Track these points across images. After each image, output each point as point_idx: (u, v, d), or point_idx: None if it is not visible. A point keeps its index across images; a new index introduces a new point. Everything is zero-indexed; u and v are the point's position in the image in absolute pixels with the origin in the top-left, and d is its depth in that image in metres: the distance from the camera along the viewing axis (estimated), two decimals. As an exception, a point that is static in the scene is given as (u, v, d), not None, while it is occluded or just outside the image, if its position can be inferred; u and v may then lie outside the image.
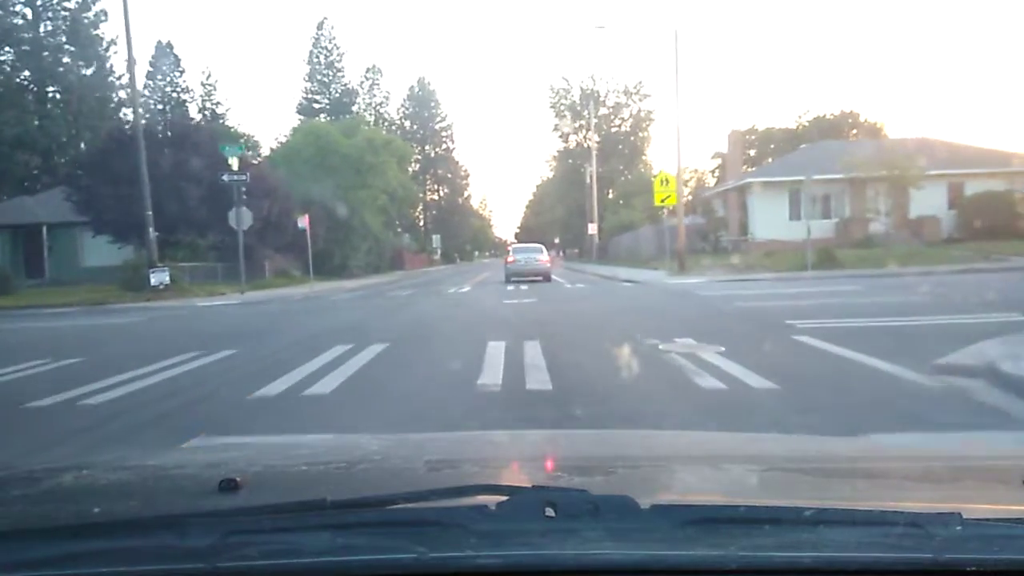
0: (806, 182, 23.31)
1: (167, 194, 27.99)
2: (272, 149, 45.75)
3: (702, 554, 0.93)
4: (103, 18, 50.47)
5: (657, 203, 27.14)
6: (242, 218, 25.73)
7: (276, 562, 0.94)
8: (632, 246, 46.30)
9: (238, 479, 1.24)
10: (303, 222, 29.62)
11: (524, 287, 24.21)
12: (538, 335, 10.23)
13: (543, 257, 28.12)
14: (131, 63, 25.83)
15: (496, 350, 8.90)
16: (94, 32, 50.07)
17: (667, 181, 26.60)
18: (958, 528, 0.93)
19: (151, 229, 24.59)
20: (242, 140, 54.09)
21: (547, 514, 0.98)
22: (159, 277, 24.35)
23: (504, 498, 1.01)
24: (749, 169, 73.35)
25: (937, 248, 29.27)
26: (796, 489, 1.48)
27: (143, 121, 42.58)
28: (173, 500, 1.45)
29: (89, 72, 48.79)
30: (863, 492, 1.45)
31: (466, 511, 1.00)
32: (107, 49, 50.83)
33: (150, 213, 24.50)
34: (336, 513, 1.02)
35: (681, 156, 26.54)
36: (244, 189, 26.32)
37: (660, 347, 8.95)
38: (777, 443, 2.33)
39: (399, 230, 66.57)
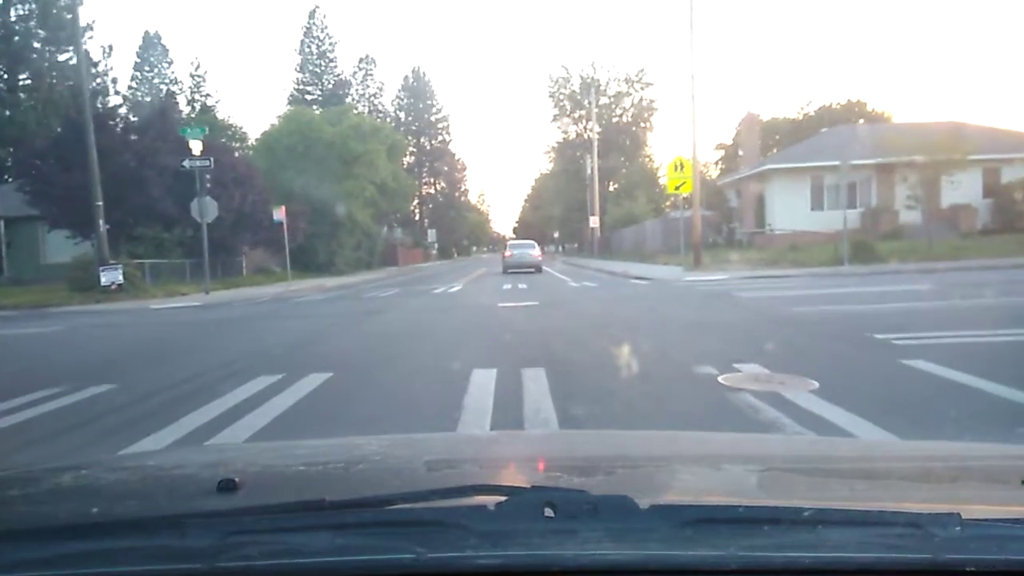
0: (843, 167, 20.38)
1: (129, 184, 24.99)
2: (256, 139, 42.62)
3: (701, 554, 0.91)
4: (79, 1, 47.45)
5: (671, 190, 24.18)
6: (206, 209, 22.72)
7: (275, 562, 0.93)
8: (637, 240, 43.26)
9: (237, 479, 1.21)
10: (279, 214, 26.65)
11: (523, 285, 21.24)
12: (543, 359, 7.27)
13: (535, 252, 31.78)
14: (76, 33, 22.77)
15: (482, 388, 5.93)
16: (68, 16, 47.03)
17: (682, 166, 23.62)
18: (957, 528, 0.91)
19: (101, 222, 21.58)
20: (229, 131, 51.11)
21: (546, 514, 0.96)
22: (111, 276, 21.34)
23: (503, 498, 0.99)
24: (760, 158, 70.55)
25: (975, 239, 26.35)
26: (795, 489, 1.43)
27: (122, 109, 39.44)
28: (172, 500, 1.41)
29: (63, 58, 45.70)
30: (862, 492, 1.40)
31: (465, 511, 0.99)
32: (83, 34, 47.81)
33: (100, 204, 21.48)
34: (335, 513, 1.01)
35: (697, 137, 23.46)
36: (209, 176, 23.34)
37: (721, 380, 6.01)
38: (776, 443, 2.25)
39: (393, 224, 63.55)
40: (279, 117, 39.95)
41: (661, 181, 66.24)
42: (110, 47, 33.95)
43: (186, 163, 22.61)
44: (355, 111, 46.44)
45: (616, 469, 1.62)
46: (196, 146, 22.77)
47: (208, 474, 1.46)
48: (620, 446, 1.98)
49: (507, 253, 32.44)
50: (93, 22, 48.41)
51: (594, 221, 51.86)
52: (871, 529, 0.94)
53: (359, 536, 0.96)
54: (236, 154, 29.72)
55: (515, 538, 0.94)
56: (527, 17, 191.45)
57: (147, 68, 72.01)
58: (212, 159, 22.77)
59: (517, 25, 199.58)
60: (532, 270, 30.16)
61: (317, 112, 45.08)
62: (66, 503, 1.39)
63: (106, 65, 52.47)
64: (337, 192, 37.93)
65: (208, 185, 26.45)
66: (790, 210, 30.25)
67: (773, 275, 19.43)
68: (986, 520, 0.97)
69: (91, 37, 47.32)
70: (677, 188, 23.73)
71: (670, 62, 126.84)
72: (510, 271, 30.39)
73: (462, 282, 26.00)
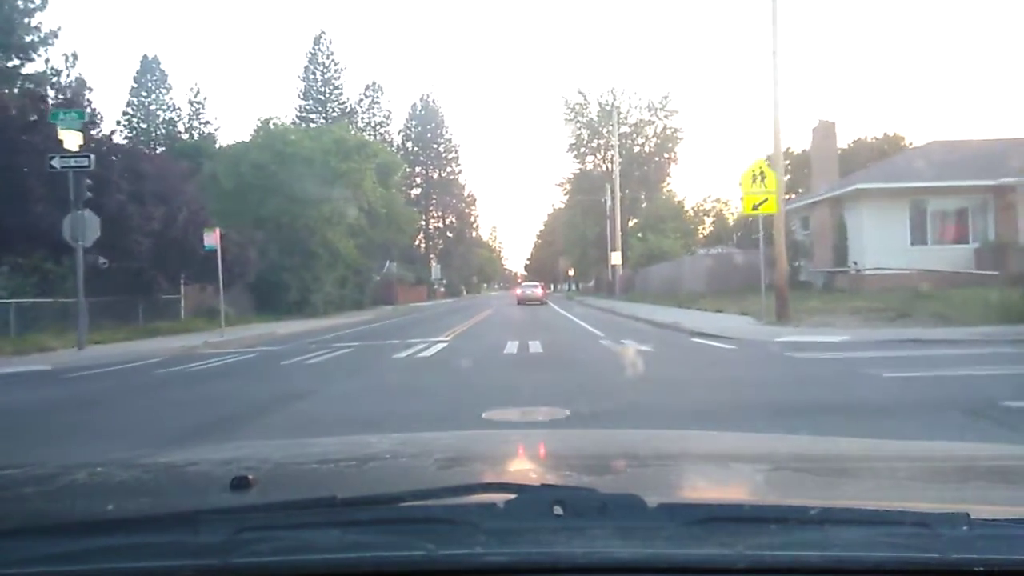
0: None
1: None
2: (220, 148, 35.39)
3: (709, 552, 0.90)
4: (39, 5, 41.05)
5: (747, 210, 16.61)
6: (80, 227, 15.35)
7: (287, 558, 0.92)
8: (669, 279, 35.58)
9: (250, 477, 1.19)
10: (211, 239, 19.24)
11: (535, 345, 13.59)
12: None
13: (538, 291, 43.31)
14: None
15: None
16: (26, 21, 40.64)
17: (762, 175, 16.09)
18: (965, 528, 0.89)
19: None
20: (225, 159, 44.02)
21: (555, 512, 0.94)
22: (-73, 323, 13.95)
23: (513, 496, 0.97)
24: (789, 195, 62.96)
25: None
26: (802, 488, 1.41)
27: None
28: (186, 497, 1.39)
29: (11, 65, 39.06)
30: (870, 492, 1.37)
31: (475, 509, 0.97)
32: (43, 42, 41.35)
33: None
34: (346, 510, 1.00)
35: (780, 137, 15.95)
36: (113, 185, 16.14)
37: None
38: (783, 443, 2.17)
39: (393, 259, 56.17)
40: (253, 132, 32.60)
41: (690, 213, 59.08)
42: (74, 55, 26.57)
43: (55, 162, 15.26)
44: (344, 128, 39.10)
45: (625, 468, 1.60)
46: (71, 139, 15.45)
47: (221, 471, 1.43)
48: (628, 445, 1.91)
49: (518, 291, 45.74)
50: (59, 28, 41.60)
51: (616, 258, 44.36)
52: (878, 528, 0.92)
53: (370, 533, 0.94)
54: (156, 159, 22.22)
55: (524, 535, 0.92)
56: (541, 47, 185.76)
57: (144, 93, 66.82)
58: (92, 157, 15.36)
59: (531, 54, 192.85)
60: (538, 302, 39.78)
61: (300, 128, 37.96)
62: (82, 500, 1.36)
63: (68, 76, 45.95)
64: (313, 217, 30.63)
65: (120, 198, 19.22)
66: (885, 244, 22.56)
67: (921, 340, 11.70)
68: (994, 520, 0.95)
69: (52, 44, 40.66)
70: (756, 207, 16.16)
71: (695, 89, 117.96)
72: (523, 303, 39.35)
73: (452, 333, 18.42)
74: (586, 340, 15.15)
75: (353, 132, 41.59)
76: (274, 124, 31.13)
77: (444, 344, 14.72)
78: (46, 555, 0.93)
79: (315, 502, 1.02)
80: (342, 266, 34.11)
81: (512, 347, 13.35)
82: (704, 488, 1.44)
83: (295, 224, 30.59)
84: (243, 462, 1.62)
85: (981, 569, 0.86)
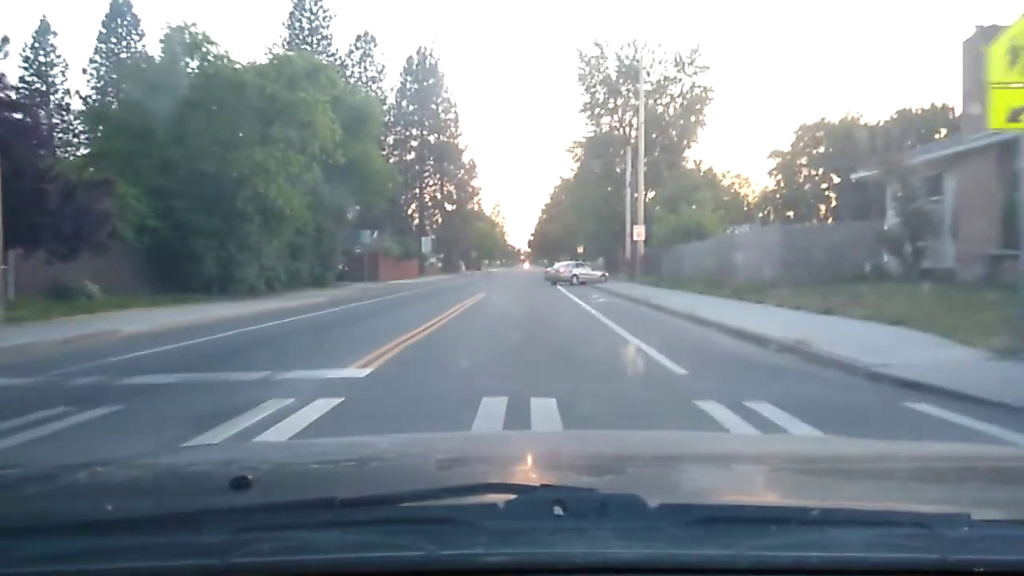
0: None
1: None
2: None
3: (709, 553, 0.89)
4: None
5: (996, 123, 8.10)
6: None
7: (287, 559, 0.91)
8: (716, 260, 26.87)
9: (250, 477, 1.17)
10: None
11: (541, 417, 5.20)
12: None
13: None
14: None
15: None
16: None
17: (1019, 53, 7.60)
18: (966, 529, 0.88)
19: None
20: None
21: (555, 512, 0.93)
22: None
23: (513, 496, 0.96)
24: (814, 173, 53.95)
25: None
26: (803, 489, 1.38)
27: None
28: (186, 497, 1.35)
29: None
30: (870, 493, 1.35)
31: (475, 509, 0.96)
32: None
33: None
34: (346, 511, 0.98)
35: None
36: None
37: None
38: (784, 443, 2.12)
39: (384, 227, 47.66)
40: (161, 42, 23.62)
41: (725, 183, 50.62)
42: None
43: None
44: (308, 61, 30.15)
45: (625, 468, 1.57)
46: None
47: (221, 472, 1.40)
48: (629, 445, 1.87)
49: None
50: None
51: (639, 232, 35.68)
52: (879, 529, 0.91)
53: (370, 533, 0.93)
54: None
55: (524, 536, 0.91)
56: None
57: (113, 40, 58.56)
58: None
59: (539, 7, 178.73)
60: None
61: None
62: (82, 500, 1.33)
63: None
64: (244, 164, 22.00)
65: None
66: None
67: None
68: (994, 521, 0.94)
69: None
70: (1018, 116, 7.67)
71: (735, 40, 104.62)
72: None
73: (393, 349, 10.08)
74: (662, 399, 6.66)
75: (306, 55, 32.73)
76: (190, 34, 22.36)
77: (323, 413, 6.20)
78: (46, 555, 0.92)
79: (315, 502, 1.00)
80: (290, 232, 25.52)
81: (490, 416, 4.86)
82: (705, 489, 1.39)
83: (219, 173, 22.00)
84: (243, 462, 1.57)
85: (982, 570, 0.84)
